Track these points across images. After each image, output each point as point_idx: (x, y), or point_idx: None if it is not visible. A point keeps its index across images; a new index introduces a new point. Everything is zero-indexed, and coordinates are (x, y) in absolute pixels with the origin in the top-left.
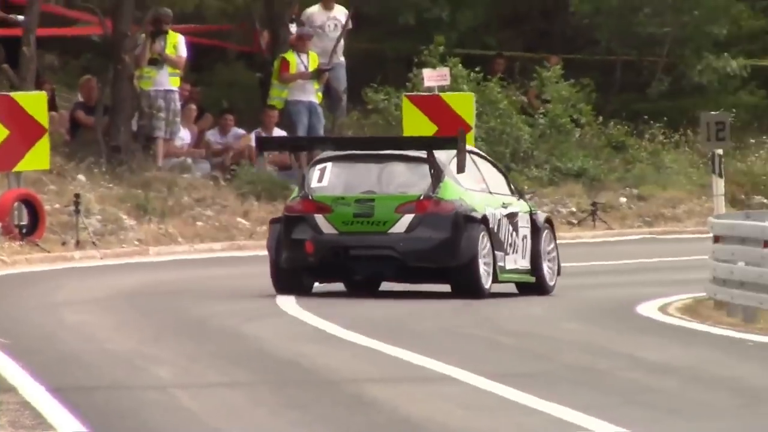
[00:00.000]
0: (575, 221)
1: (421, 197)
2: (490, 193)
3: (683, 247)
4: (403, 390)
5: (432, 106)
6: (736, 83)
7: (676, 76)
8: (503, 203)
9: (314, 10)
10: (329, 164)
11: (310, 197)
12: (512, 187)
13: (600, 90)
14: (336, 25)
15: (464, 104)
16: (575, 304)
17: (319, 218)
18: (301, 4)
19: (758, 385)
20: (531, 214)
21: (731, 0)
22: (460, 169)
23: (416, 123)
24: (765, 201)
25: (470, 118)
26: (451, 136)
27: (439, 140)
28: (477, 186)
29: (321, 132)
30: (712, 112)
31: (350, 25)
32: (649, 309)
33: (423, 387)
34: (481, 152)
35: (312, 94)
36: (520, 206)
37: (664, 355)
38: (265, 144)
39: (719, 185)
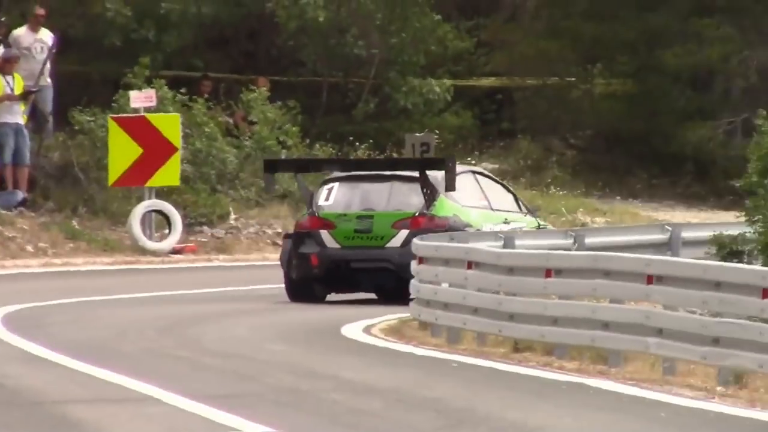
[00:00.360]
0: (281, 242)
1: (416, 214)
2: (492, 209)
3: None
4: (107, 411)
5: (138, 127)
6: (441, 105)
7: (383, 98)
8: (506, 219)
9: (21, 32)
10: (336, 184)
11: (317, 214)
12: (521, 204)
13: (306, 112)
14: (42, 48)
15: (170, 125)
16: (280, 325)
17: (324, 234)
18: (8, 26)
19: (460, 406)
20: (538, 229)
21: (437, 21)
22: (449, 188)
23: (122, 144)
24: None
25: (176, 140)
26: (441, 158)
27: (432, 162)
28: (477, 203)
29: (27, 153)
30: (417, 134)
31: (56, 48)
32: (353, 330)
33: (127, 408)
34: (486, 172)
35: (18, 116)
36: (526, 222)
37: (369, 376)
38: (273, 166)
39: None
